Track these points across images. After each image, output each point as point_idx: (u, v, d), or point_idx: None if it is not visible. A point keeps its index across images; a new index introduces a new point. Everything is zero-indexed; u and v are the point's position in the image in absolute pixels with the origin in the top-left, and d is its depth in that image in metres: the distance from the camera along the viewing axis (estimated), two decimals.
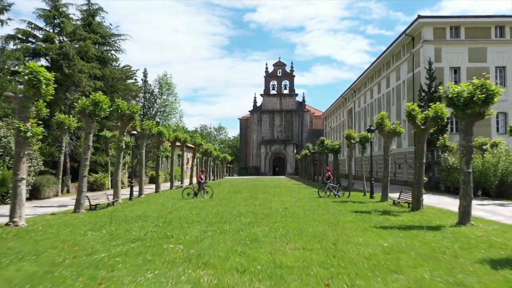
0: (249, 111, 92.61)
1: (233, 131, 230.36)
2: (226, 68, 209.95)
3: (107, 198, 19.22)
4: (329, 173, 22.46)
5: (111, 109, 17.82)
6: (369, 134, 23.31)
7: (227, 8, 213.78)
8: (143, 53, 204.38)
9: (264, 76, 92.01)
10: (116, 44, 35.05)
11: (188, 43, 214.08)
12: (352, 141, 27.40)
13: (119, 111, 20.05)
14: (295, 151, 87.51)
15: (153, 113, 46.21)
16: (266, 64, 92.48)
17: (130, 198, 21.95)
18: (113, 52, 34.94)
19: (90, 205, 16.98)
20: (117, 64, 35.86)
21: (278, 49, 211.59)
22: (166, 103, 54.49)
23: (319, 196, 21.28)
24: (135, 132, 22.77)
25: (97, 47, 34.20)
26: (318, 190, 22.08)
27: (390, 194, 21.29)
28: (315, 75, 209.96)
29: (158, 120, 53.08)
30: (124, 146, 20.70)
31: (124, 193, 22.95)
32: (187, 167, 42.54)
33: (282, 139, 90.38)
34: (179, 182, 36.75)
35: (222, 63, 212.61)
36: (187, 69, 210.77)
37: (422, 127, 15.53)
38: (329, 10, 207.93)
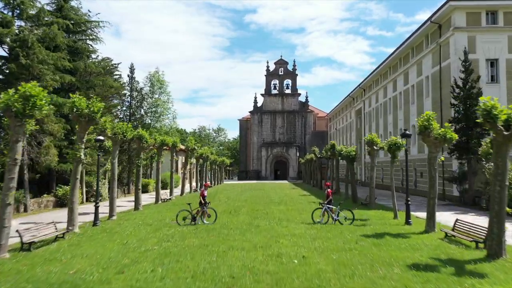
0: (249, 112, 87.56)
1: (233, 132, 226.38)
2: (226, 69, 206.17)
3: (55, 228, 14.16)
4: (328, 190, 16.96)
5: (50, 106, 12.74)
6: (402, 140, 18.23)
7: (227, 9, 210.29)
8: (143, 53, 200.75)
9: (265, 75, 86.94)
10: (94, 34, 29.95)
11: (188, 43, 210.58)
12: (375, 147, 22.33)
13: (75, 110, 15.01)
14: (297, 154, 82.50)
15: (142, 113, 41.03)
16: (267, 63, 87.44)
17: (95, 223, 16.90)
18: (89, 42, 29.80)
19: (22, 244, 11.92)
20: (95, 56, 30.79)
21: (279, 50, 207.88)
22: (158, 103, 49.39)
23: (313, 221, 16.12)
24: (101, 137, 17.71)
25: (69, 36, 29.18)
26: (312, 213, 16.74)
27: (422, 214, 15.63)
28: (316, 76, 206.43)
29: (149, 121, 48.02)
30: (82, 157, 15.62)
31: (102, 210, 17.60)
32: (182, 172, 37.51)
33: (284, 141, 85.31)
34: (169, 194, 31.67)
35: (222, 64, 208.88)
36: (187, 69, 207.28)
37: (505, 132, 10.46)
38: (329, 11, 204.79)
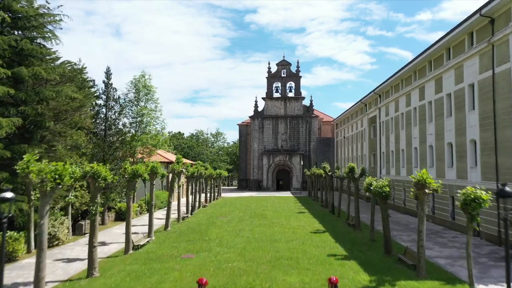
0: (250, 117, 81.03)
1: (234, 133, 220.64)
2: (227, 69, 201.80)
3: None
4: None
5: None
6: (485, 195, 11.58)
7: (228, 10, 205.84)
8: (144, 55, 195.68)
9: (267, 77, 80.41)
10: (47, 31, 23.27)
11: (189, 44, 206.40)
12: (427, 190, 15.72)
13: None
14: (301, 163, 76.04)
15: (120, 127, 34.32)
16: (269, 64, 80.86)
17: None
18: (41, 41, 23.15)
19: None
20: (51, 58, 24.06)
21: (279, 50, 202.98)
22: (143, 111, 42.67)
23: None
24: (7, 195, 11.09)
25: (18, 33, 22.62)
26: None
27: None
28: (316, 76, 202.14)
29: (133, 131, 41.21)
30: None
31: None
32: (168, 201, 30.95)
33: (287, 149, 78.83)
34: (147, 229, 25.05)
35: (223, 64, 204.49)
36: (188, 70, 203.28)
37: None
38: (330, 11, 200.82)
